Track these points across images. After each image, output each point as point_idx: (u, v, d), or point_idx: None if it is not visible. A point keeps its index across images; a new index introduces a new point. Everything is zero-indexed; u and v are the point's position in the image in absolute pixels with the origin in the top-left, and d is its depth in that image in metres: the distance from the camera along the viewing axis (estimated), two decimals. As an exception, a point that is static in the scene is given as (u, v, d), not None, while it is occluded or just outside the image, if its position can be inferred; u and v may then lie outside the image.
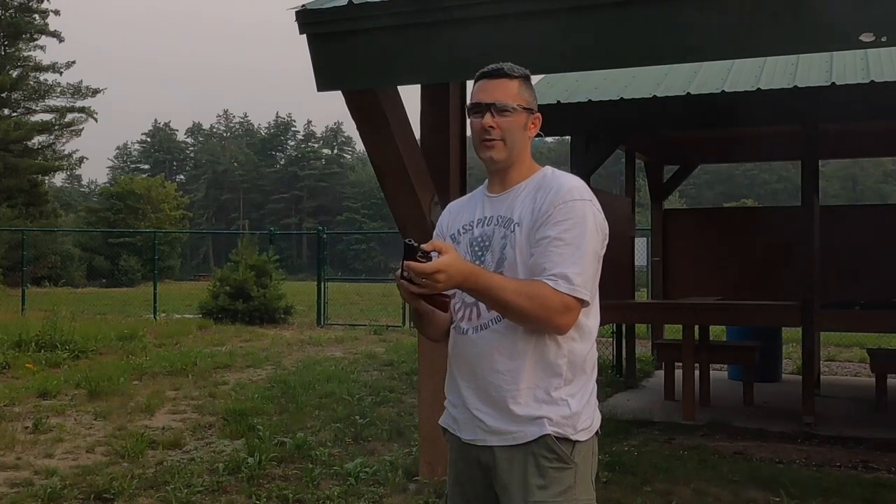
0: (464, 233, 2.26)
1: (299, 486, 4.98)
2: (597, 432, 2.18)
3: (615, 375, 8.90)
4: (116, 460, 5.66)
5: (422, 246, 1.94)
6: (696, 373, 7.36)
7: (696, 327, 7.40)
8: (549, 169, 2.24)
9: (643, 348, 10.20)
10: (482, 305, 2.12)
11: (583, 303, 2.05)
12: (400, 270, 1.96)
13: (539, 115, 2.23)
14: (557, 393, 2.09)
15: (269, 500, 4.78)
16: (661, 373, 8.52)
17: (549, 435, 2.06)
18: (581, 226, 2.06)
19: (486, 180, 2.31)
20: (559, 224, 2.05)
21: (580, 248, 2.04)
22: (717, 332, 10.84)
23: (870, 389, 7.68)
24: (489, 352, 2.12)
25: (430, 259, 1.94)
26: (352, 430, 6.37)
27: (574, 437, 2.09)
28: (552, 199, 2.09)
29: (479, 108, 2.16)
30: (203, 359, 10.02)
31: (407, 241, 1.94)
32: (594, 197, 2.13)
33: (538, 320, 2.04)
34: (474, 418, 2.15)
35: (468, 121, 2.22)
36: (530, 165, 2.23)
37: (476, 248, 2.20)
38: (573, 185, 2.13)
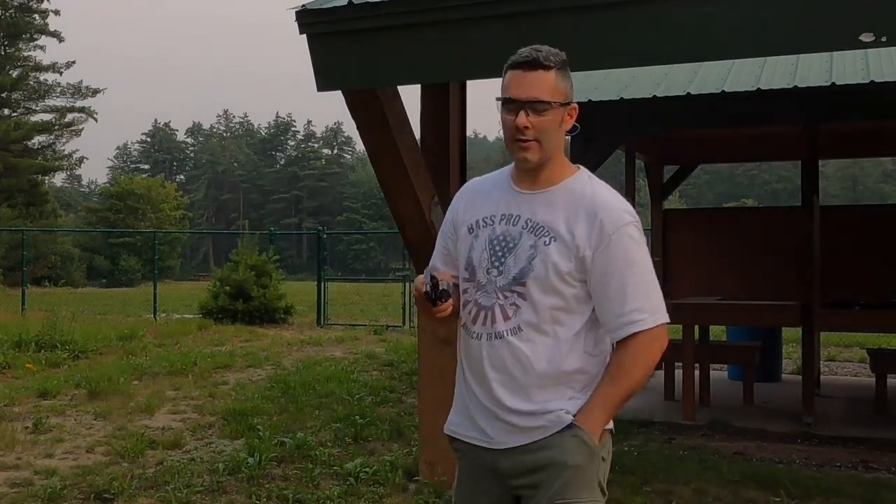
0: (483, 226, 2.13)
1: (299, 486, 4.99)
2: (610, 431, 2.16)
3: (615, 375, 8.88)
4: (116, 460, 5.65)
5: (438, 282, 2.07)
6: (696, 373, 7.36)
7: (696, 327, 7.40)
8: (585, 174, 2.13)
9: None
10: (497, 311, 2.07)
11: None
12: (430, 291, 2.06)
13: (575, 105, 2.08)
14: (580, 395, 2.08)
15: (269, 500, 4.78)
16: (661, 373, 8.51)
17: (572, 430, 2.05)
18: (638, 249, 2.05)
19: (512, 165, 2.17)
20: (621, 254, 2.02)
21: (644, 272, 2.05)
22: (717, 332, 10.83)
23: (870, 389, 7.68)
24: (503, 363, 2.07)
25: (445, 293, 2.05)
26: (352, 430, 6.37)
27: (607, 424, 2.10)
28: (606, 226, 2.02)
29: (513, 105, 2.02)
30: (203, 359, 10.01)
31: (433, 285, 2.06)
32: (636, 215, 2.10)
33: (655, 362, 2.10)
34: (494, 421, 2.10)
35: (499, 113, 2.06)
36: (564, 165, 2.12)
37: (496, 248, 2.09)
38: (618, 206, 2.06)
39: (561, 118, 2.04)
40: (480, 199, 2.19)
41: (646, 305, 2.03)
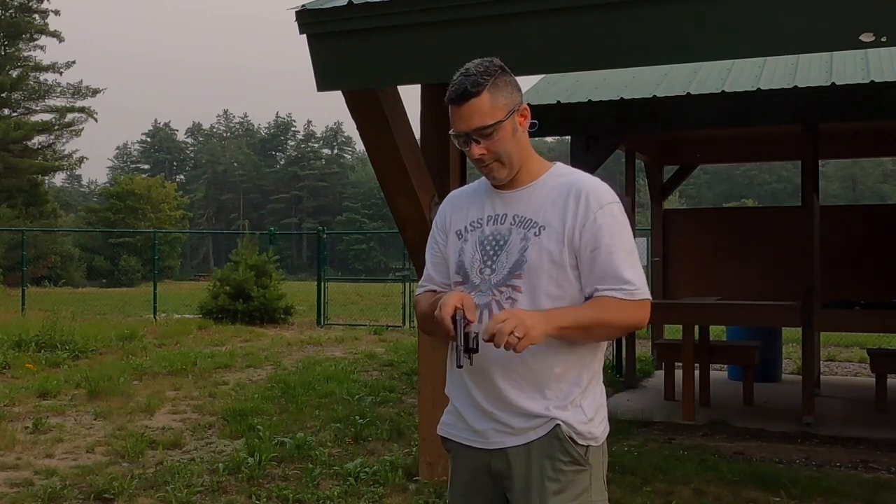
0: (472, 230, 2.15)
1: (299, 486, 4.99)
2: (604, 441, 2.16)
3: (615, 375, 8.90)
4: (116, 460, 5.66)
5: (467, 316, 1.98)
6: (696, 373, 7.36)
7: (696, 327, 7.40)
8: (560, 166, 2.17)
9: (643, 348, 10.20)
10: (494, 308, 2.06)
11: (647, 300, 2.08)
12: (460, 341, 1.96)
13: (525, 106, 2.09)
14: (574, 399, 2.08)
15: (269, 500, 4.78)
16: (661, 373, 8.51)
17: (565, 434, 2.05)
18: (622, 227, 2.07)
19: None
20: (603, 230, 2.03)
21: (629, 250, 2.06)
22: (717, 332, 10.84)
23: (870, 389, 7.68)
24: (504, 358, 2.05)
25: (474, 351, 1.97)
26: (352, 430, 6.37)
27: (588, 442, 2.08)
28: (589, 205, 2.04)
29: (461, 138, 2.06)
30: (203, 359, 10.01)
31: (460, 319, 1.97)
32: (618, 198, 2.12)
33: (623, 330, 2.10)
34: (488, 421, 2.10)
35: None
36: (538, 162, 2.15)
37: (487, 248, 2.11)
38: (601, 187, 2.09)
39: (512, 128, 2.06)
40: (465, 205, 2.22)
41: (638, 280, 2.05)
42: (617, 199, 2.10)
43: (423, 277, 2.29)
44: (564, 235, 2.04)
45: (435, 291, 2.21)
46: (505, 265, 2.07)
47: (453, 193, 2.31)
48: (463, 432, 2.16)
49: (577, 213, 2.05)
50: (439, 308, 1.99)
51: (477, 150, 2.05)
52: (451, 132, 2.09)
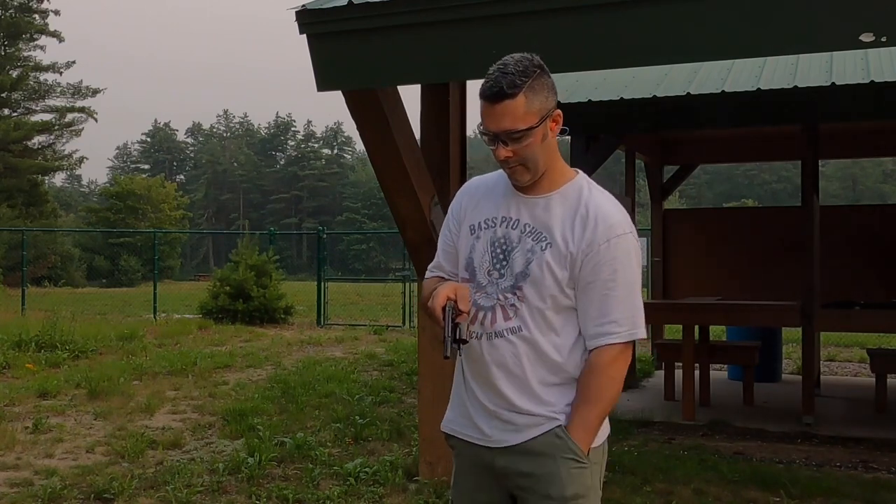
0: (485, 228, 2.13)
1: (299, 486, 4.99)
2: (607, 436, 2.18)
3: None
4: (116, 460, 5.66)
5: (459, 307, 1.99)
6: (696, 373, 7.36)
7: (696, 327, 7.40)
8: (583, 180, 2.11)
9: (643, 348, 10.20)
10: (498, 311, 2.07)
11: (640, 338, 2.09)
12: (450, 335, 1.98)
13: (559, 110, 2.02)
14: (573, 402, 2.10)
15: (269, 500, 4.78)
16: (661, 373, 8.51)
17: (567, 433, 2.06)
18: (627, 261, 2.03)
19: None
20: (604, 266, 2.01)
21: (629, 285, 2.04)
22: (717, 332, 10.83)
23: (870, 389, 7.68)
24: (504, 360, 2.07)
25: (464, 342, 1.99)
26: (352, 430, 6.37)
27: (591, 444, 2.09)
28: (598, 234, 2.01)
29: (489, 136, 2.00)
30: (203, 359, 10.01)
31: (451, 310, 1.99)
32: (633, 227, 2.09)
33: (623, 379, 2.10)
34: (491, 419, 2.11)
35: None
36: (562, 170, 2.10)
37: (498, 251, 2.10)
38: (615, 217, 2.04)
39: (543, 134, 2.00)
40: (483, 199, 2.18)
41: (623, 319, 2.03)
42: (629, 229, 2.06)
43: (433, 262, 2.28)
44: (567, 258, 2.03)
45: (443, 278, 2.21)
46: (512, 272, 2.07)
47: (471, 182, 2.27)
48: (466, 429, 2.17)
49: (581, 240, 2.02)
50: (432, 298, 2.01)
51: (503, 151, 2.00)
52: (478, 127, 2.04)
